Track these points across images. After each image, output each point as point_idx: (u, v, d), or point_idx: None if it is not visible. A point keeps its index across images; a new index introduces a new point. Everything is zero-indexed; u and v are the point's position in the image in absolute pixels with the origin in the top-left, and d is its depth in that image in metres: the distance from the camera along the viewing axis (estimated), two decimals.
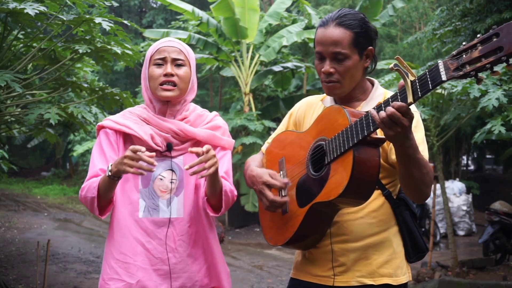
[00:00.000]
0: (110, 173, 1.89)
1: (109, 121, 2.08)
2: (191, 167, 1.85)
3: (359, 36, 1.87)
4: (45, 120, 4.66)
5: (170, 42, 2.06)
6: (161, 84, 2.00)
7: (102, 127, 2.08)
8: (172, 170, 2.03)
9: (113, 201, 2.02)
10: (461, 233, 10.75)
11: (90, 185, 1.97)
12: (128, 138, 2.06)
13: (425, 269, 7.15)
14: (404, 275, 1.94)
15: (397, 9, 11.02)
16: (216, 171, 1.90)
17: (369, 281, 1.89)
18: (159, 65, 2.01)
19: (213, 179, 1.93)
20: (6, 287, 5.63)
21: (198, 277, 2.04)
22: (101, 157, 2.03)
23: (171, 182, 2.02)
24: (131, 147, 1.86)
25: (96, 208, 1.96)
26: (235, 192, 2.08)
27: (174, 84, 2.00)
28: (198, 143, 2.05)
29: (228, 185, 2.04)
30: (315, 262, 1.97)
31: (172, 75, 2.00)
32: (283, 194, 1.94)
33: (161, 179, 2.02)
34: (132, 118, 2.06)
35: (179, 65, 2.02)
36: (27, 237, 9.29)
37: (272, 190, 1.94)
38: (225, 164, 2.10)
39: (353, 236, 1.90)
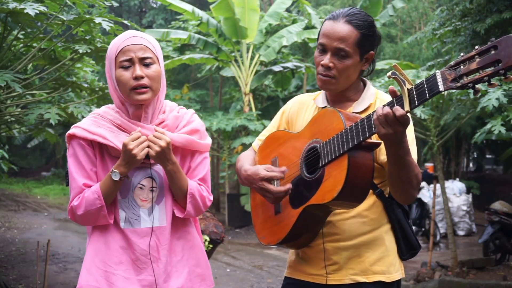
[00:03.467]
0: (121, 176, 1.83)
1: (81, 129, 1.91)
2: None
3: (365, 38, 1.89)
4: (45, 120, 4.66)
5: (134, 38, 1.88)
6: (133, 89, 1.86)
7: (74, 136, 1.91)
8: (151, 177, 1.93)
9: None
10: (461, 233, 10.74)
11: (87, 199, 1.87)
12: (103, 146, 1.93)
13: (425, 269, 7.15)
14: (397, 272, 1.96)
15: (397, 9, 11.02)
16: (161, 157, 1.86)
17: (362, 279, 1.91)
18: (126, 68, 1.86)
19: (170, 176, 1.90)
20: (6, 287, 5.64)
21: (183, 284, 1.97)
22: (81, 171, 1.91)
23: (151, 190, 1.93)
24: (130, 137, 1.83)
25: (106, 215, 1.88)
26: (210, 197, 2.01)
27: (146, 86, 1.86)
28: (175, 148, 1.94)
29: (200, 189, 1.97)
30: (308, 261, 1.99)
31: (142, 77, 1.85)
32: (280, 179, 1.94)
33: (141, 187, 1.93)
34: (106, 126, 1.91)
35: (147, 65, 1.87)
36: (27, 237, 9.29)
37: None
38: (202, 170, 2.01)
39: (345, 235, 1.92)
